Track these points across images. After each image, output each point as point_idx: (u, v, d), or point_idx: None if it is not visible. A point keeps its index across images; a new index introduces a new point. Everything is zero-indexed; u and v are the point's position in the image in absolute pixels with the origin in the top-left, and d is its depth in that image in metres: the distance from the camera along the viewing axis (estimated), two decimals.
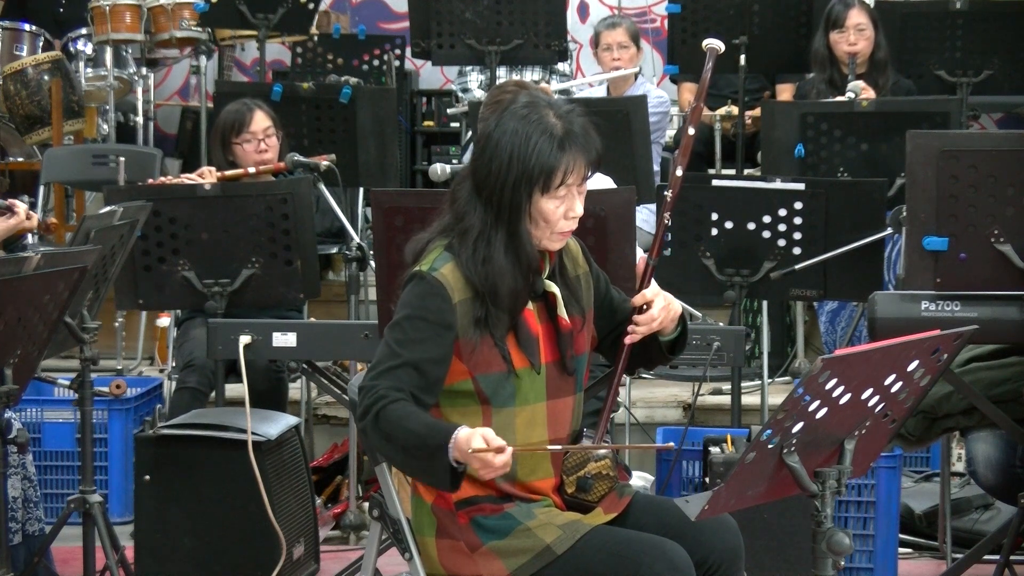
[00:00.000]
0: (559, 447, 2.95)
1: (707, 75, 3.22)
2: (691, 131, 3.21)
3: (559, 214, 2.91)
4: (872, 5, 6.21)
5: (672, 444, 2.86)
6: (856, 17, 6.08)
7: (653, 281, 3.10)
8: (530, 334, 2.96)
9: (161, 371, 6.27)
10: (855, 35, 6.07)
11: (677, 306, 3.07)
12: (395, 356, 2.87)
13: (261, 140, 5.35)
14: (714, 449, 4.08)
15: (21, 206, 4.47)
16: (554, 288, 3.00)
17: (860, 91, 5.71)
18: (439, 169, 4.54)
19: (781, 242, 4.54)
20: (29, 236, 6.92)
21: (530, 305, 2.98)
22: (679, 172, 3.20)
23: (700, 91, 3.23)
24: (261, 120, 5.37)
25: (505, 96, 3.04)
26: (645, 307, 3.04)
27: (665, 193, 3.23)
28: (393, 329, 2.91)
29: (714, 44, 3.24)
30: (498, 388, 2.93)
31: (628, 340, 3.05)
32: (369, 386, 2.86)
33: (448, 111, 7.46)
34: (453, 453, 2.74)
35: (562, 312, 3.00)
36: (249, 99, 5.46)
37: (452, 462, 2.75)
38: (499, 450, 2.72)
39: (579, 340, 3.04)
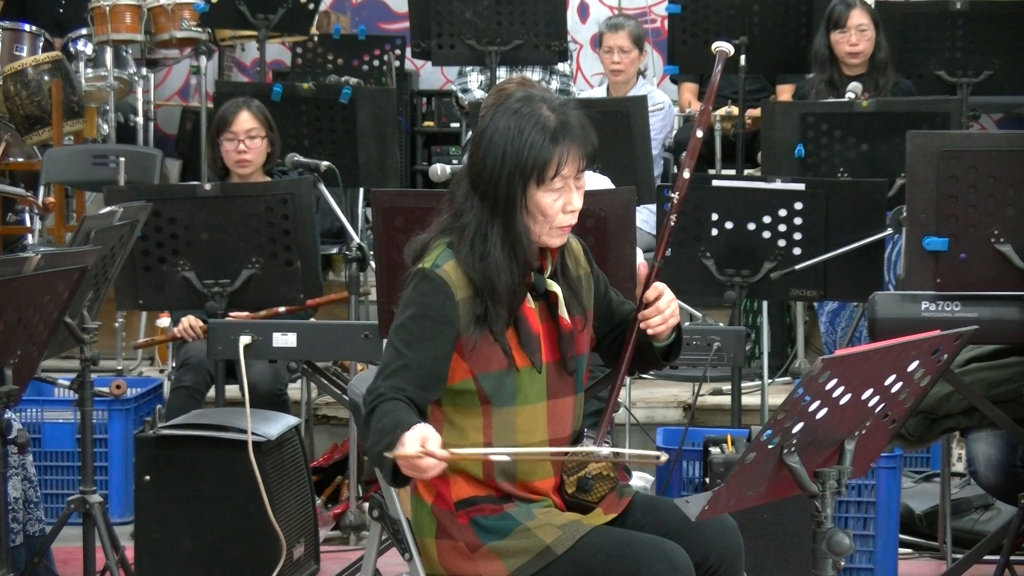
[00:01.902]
0: (508, 452, 2.86)
1: (716, 78, 3.22)
2: (699, 134, 3.20)
3: (556, 208, 2.91)
4: (873, 5, 6.20)
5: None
6: (858, 17, 6.07)
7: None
8: (531, 333, 2.96)
9: (161, 371, 6.27)
10: (856, 35, 6.07)
11: (677, 312, 3.07)
12: (400, 357, 2.88)
13: (242, 140, 5.32)
14: (714, 449, 4.08)
15: None
16: (556, 288, 3.00)
17: (860, 93, 5.71)
18: (439, 169, 4.53)
19: (781, 242, 4.54)
20: (29, 236, 6.95)
21: (532, 304, 2.98)
22: (686, 174, 3.20)
23: (709, 94, 3.22)
24: (245, 120, 5.33)
25: (502, 93, 3.04)
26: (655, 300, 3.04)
27: (672, 195, 3.22)
28: (398, 330, 2.92)
29: (723, 47, 3.23)
30: (498, 387, 2.93)
31: (643, 326, 3.04)
32: (371, 388, 2.88)
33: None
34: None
35: (563, 312, 3.00)
36: (245, 98, 5.44)
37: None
38: (427, 455, 2.68)
39: (580, 340, 3.04)
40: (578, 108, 2.96)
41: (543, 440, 2.98)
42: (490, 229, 2.91)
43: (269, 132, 5.37)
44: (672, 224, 3.20)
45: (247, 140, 5.32)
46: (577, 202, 2.94)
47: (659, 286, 3.05)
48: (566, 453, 2.97)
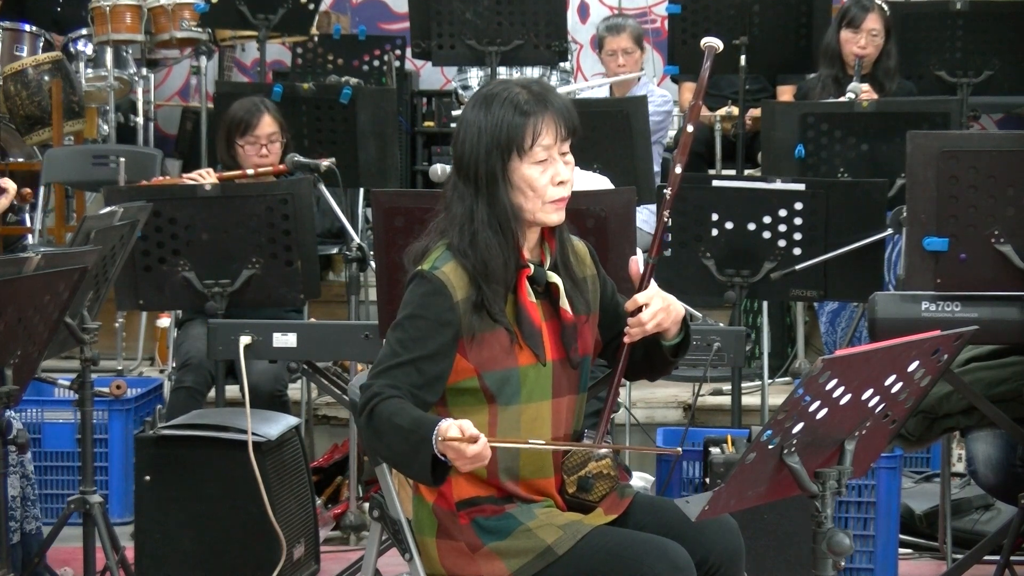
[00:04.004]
0: (543, 445, 2.94)
1: (705, 73, 3.22)
2: (690, 129, 3.21)
3: (545, 180, 2.92)
4: (888, 12, 6.18)
5: (679, 449, 3.01)
6: (872, 22, 6.06)
7: (653, 282, 3.10)
8: (534, 328, 2.96)
9: (161, 371, 6.27)
10: (867, 39, 6.06)
11: (678, 308, 3.06)
12: (395, 355, 2.89)
13: (264, 144, 5.36)
14: (714, 450, 4.08)
15: (9, 183, 4.50)
16: (556, 279, 3.00)
17: (861, 92, 5.70)
18: (439, 169, 4.53)
19: (781, 242, 4.54)
20: (29, 236, 6.95)
21: (533, 299, 2.97)
22: (678, 170, 3.20)
23: (699, 89, 3.23)
24: (268, 125, 5.38)
25: None
26: (643, 308, 3.03)
27: (665, 192, 3.23)
28: (395, 329, 2.92)
29: (712, 43, 3.24)
30: (503, 385, 2.93)
31: (626, 340, 3.05)
32: (366, 385, 2.88)
33: (453, 113, 7.46)
34: (437, 445, 2.74)
35: (564, 304, 3.00)
36: (260, 99, 5.47)
37: (438, 454, 2.75)
38: (471, 439, 2.71)
39: (584, 338, 3.04)
40: (552, 86, 2.99)
41: (547, 439, 2.98)
42: (476, 208, 2.92)
43: (283, 134, 5.42)
44: (666, 221, 3.20)
45: (269, 144, 5.36)
46: (565, 172, 2.94)
47: (647, 294, 3.03)
48: (593, 445, 3.00)
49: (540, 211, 2.94)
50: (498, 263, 2.91)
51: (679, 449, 3.03)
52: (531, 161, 2.91)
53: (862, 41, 6.07)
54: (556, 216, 2.96)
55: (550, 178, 2.92)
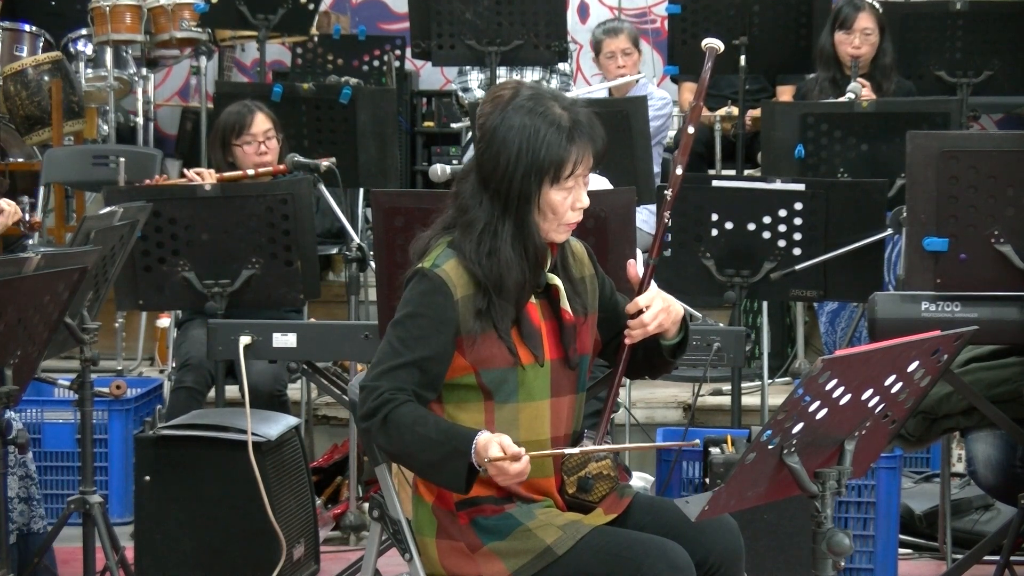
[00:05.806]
0: (575, 450, 2.96)
1: (706, 74, 3.23)
2: (691, 130, 3.21)
3: (567, 205, 2.93)
4: (881, 10, 6.18)
5: (696, 441, 3.05)
6: (864, 21, 6.06)
7: (653, 283, 3.10)
8: (533, 328, 2.96)
9: (161, 372, 6.27)
10: (860, 39, 6.06)
11: (678, 308, 3.06)
12: (397, 355, 2.89)
13: (261, 142, 5.37)
14: (714, 450, 4.08)
15: (9, 204, 4.50)
16: (557, 281, 3.01)
17: (860, 92, 5.71)
18: (439, 170, 4.53)
19: (781, 243, 4.54)
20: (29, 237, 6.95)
21: (533, 299, 2.98)
22: (679, 171, 3.20)
23: (699, 90, 3.23)
24: (262, 122, 5.38)
25: (504, 92, 3.02)
26: (644, 310, 3.03)
27: (665, 192, 3.23)
28: (395, 327, 2.92)
29: (713, 43, 3.24)
30: (501, 383, 2.93)
31: (627, 342, 3.06)
32: (372, 386, 2.88)
33: (453, 125, 7.47)
34: (474, 459, 2.78)
35: (565, 305, 3.00)
36: (250, 101, 5.47)
37: (476, 466, 2.79)
38: (515, 457, 2.76)
39: (583, 337, 3.04)
40: (586, 105, 2.98)
41: (546, 438, 2.98)
42: (500, 226, 2.91)
43: (279, 132, 5.43)
44: (667, 221, 3.20)
45: (266, 141, 5.36)
46: (586, 199, 2.97)
47: (648, 296, 3.03)
48: (618, 448, 3.03)
49: (553, 231, 2.96)
50: (515, 282, 2.91)
51: (696, 441, 3.06)
52: (561, 188, 2.91)
53: (856, 41, 6.06)
54: (564, 236, 2.99)
55: (571, 204, 2.94)
